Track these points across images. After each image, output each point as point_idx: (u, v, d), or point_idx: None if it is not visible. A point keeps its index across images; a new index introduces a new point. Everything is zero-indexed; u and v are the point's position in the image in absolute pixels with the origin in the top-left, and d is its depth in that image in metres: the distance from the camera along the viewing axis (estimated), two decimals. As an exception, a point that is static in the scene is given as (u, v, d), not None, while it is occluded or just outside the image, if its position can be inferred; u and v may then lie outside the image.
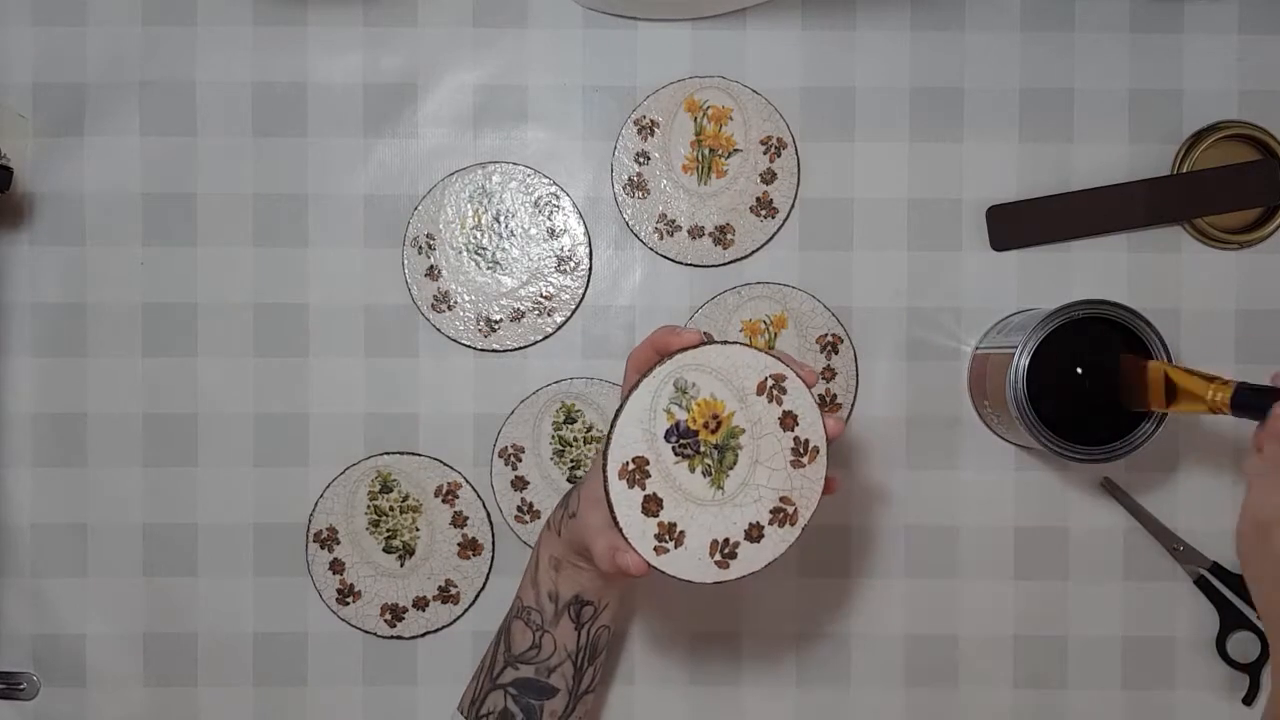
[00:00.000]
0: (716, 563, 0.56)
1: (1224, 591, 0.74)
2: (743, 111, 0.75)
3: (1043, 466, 0.75)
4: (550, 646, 0.64)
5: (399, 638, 0.76)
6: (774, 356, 0.56)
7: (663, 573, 0.56)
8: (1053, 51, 0.75)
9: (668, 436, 0.55)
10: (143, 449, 0.75)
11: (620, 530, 0.55)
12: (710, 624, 0.75)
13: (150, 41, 0.75)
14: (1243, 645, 0.74)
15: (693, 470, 0.56)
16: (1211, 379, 0.60)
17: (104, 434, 0.75)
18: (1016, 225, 0.75)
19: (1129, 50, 0.75)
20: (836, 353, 0.75)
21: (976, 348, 0.75)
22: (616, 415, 0.55)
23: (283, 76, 0.76)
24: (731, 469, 0.56)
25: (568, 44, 0.76)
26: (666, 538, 0.56)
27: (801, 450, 0.56)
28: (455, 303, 0.75)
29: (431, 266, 0.75)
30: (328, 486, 0.75)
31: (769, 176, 0.75)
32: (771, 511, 0.56)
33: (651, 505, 0.56)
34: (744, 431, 0.56)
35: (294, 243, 0.76)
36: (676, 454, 0.56)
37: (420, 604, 0.75)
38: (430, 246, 0.75)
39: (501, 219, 0.76)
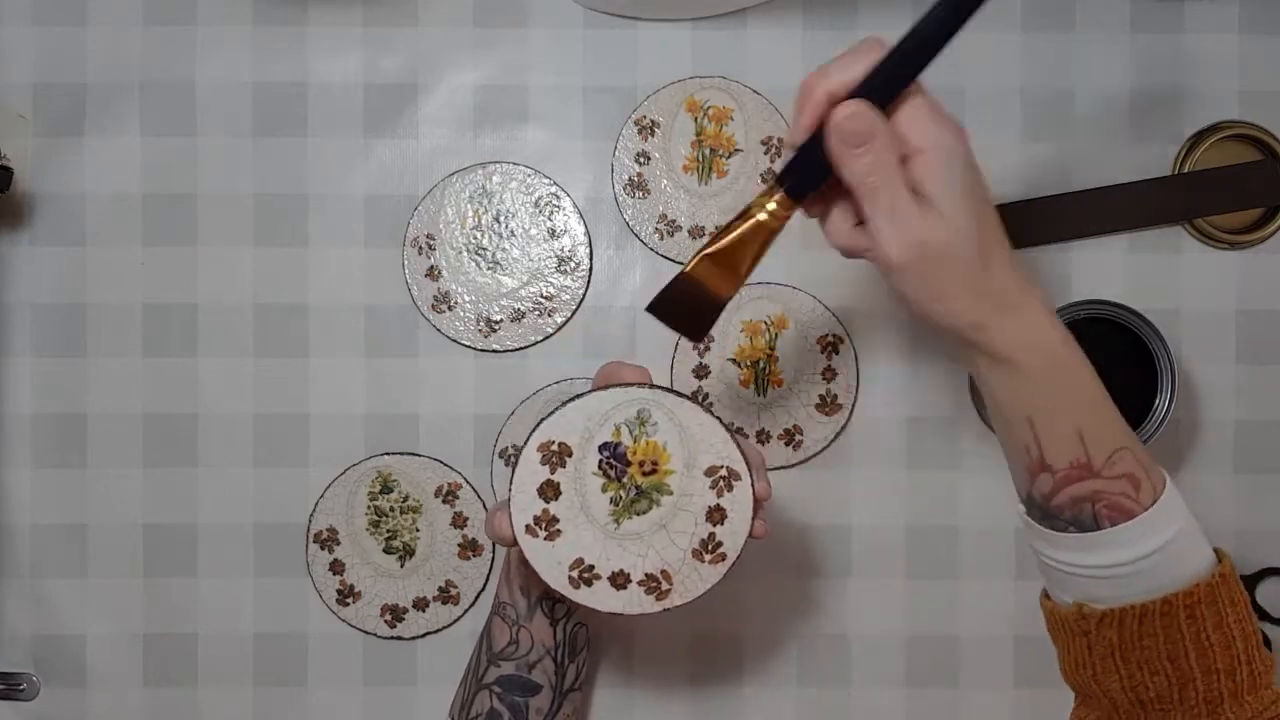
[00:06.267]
0: (570, 578, 0.55)
1: (1224, 591, 0.74)
2: (743, 111, 0.75)
3: (1043, 466, 0.75)
4: (528, 642, 0.64)
5: (399, 638, 0.76)
6: (742, 453, 0.55)
7: (523, 551, 0.55)
8: (1053, 51, 0.75)
9: (602, 449, 0.55)
10: (143, 449, 0.75)
11: (510, 491, 0.55)
12: (710, 624, 0.75)
13: (150, 41, 0.75)
14: (1243, 645, 0.74)
15: (604, 491, 0.55)
16: (746, 210, 0.55)
17: (104, 434, 0.75)
18: (1016, 225, 0.75)
19: (1129, 50, 0.75)
20: (837, 353, 0.75)
21: (977, 348, 0.75)
22: (575, 397, 0.55)
23: (283, 76, 0.75)
24: (638, 515, 0.55)
25: (568, 44, 0.76)
26: (542, 526, 0.55)
27: (709, 548, 0.55)
28: (455, 303, 0.75)
29: (432, 267, 0.75)
30: (328, 487, 0.75)
31: (770, 177, 0.75)
32: (646, 575, 0.55)
33: (549, 490, 0.55)
34: (671, 494, 0.55)
35: (294, 243, 0.76)
36: (599, 468, 0.55)
37: (420, 605, 0.75)
38: (430, 247, 0.75)
39: (502, 219, 0.75)
